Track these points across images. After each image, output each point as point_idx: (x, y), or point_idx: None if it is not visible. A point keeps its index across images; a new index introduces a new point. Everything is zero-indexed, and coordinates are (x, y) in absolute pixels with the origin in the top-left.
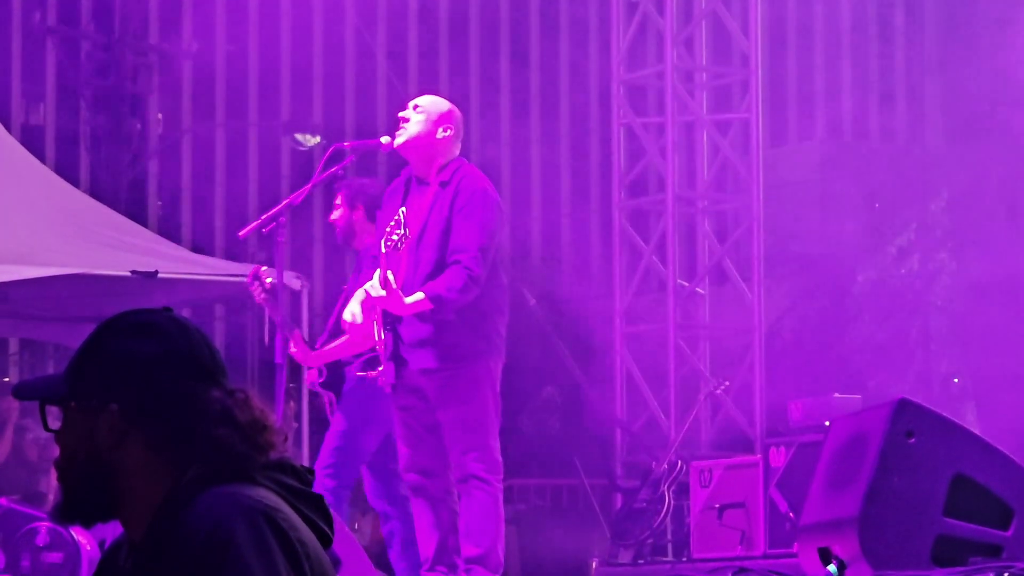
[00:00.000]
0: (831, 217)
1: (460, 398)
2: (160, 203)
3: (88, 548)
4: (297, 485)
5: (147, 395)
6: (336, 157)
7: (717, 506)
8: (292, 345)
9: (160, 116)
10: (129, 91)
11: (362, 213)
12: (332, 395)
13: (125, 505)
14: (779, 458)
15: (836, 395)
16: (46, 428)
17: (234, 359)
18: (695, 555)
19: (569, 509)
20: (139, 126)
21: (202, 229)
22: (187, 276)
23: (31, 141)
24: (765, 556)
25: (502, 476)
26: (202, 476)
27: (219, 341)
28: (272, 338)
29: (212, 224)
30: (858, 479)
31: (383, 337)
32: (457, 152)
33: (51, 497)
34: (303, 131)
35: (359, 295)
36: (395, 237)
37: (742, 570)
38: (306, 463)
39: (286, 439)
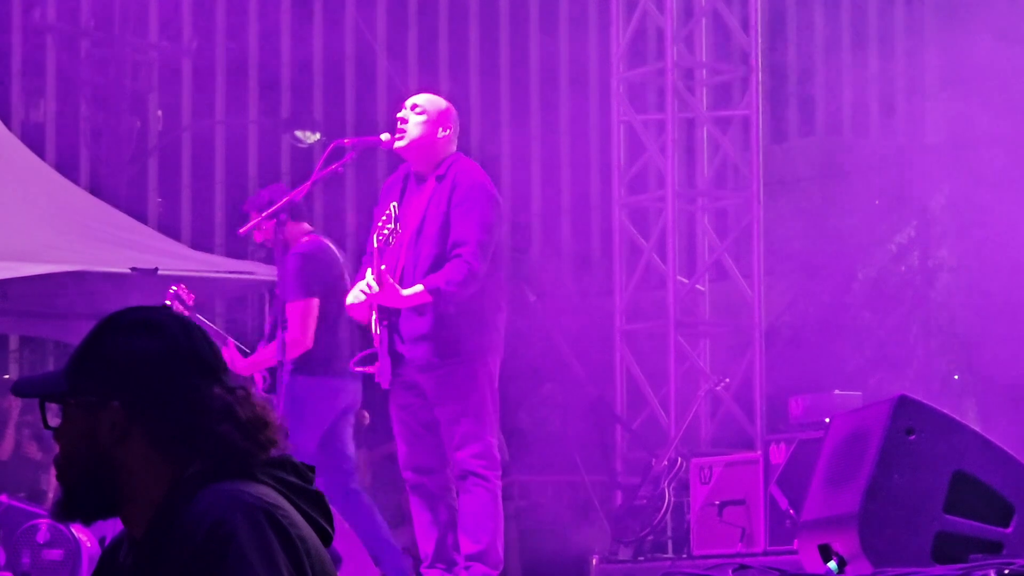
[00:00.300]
0: (831, 214)
1: (458, 394)
2: (160, 200)
3: (88, 545)
4: (297, 482)
5: (150, 392)
6: (337, 154)
7: (717, 503)
8: (224, 354)
9: (160, 113)
10: (129, 88)
11: (286, 216)
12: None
13: (126, 502)
14: (779, 455)
15: (836, 392)
16: (46, 426)
17: None
18: (695, 552)
19: (569, 506)
20: (139, 123)
21: (202, 226)
22: (187, 273)
23: (31, 138)
24: (765, 553)
25: (500, 472)
26: (203, 473)
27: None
28: (272, 336)
29: (212, 221)
30: (858, 476)
31: (379, 331)
32: (454, 148)
33: (51, 495)
34: (303, 128)
35: (354, 295)
36: (386, 232)
37: (742, 567)
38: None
39: (287, 436)
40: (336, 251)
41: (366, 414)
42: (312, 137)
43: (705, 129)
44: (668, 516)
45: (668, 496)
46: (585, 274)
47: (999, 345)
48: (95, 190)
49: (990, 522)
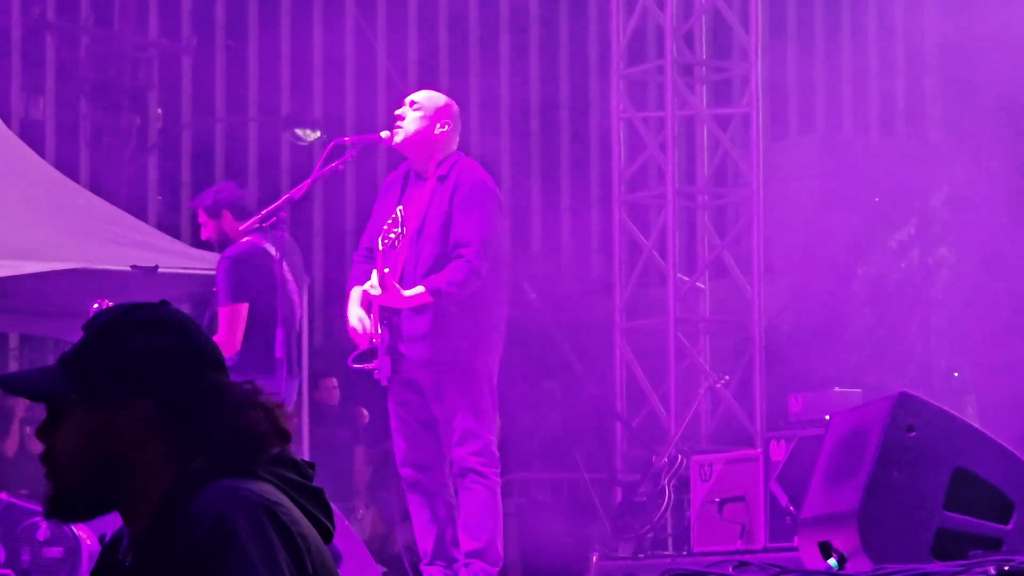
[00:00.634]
0: (831, 211)
1: (456, 392)
2: (160, 198)
3: (88, 543)
4: (298, 479)
5: (180, 389)
6: (337, 152)
7: (717, 500)
8: None
9: (160, 111)
10: (129, 85)
11: (229, 216)
12: None
13: (127, 499)
14: (779, 452)
15: (836, 389)
16: (46, 426)
17: None
18: (695, 549)
19: (569, 503)
20: (139, 121)
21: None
22: (187, 271)
23: (31, 135)
24: (765, 550)
25: (499, 470)
26: (205, 470)
27: None
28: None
29: None
30: (858, 473)
31: (380, 331)
32: (455, 146)
33: None
34: (303, 126)
35: (356, 296)
36: (392, 235)
37: (742, 564)
38: (306, 457)
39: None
40: (272, 252)
41: (364, 411)
42: (312, 135)
43: (705, 126)
44: (668, 513)
45: (668, 493)
46: (585, 271)
47: (999, 343)
48: (95, 188)
49: (990, 519)
